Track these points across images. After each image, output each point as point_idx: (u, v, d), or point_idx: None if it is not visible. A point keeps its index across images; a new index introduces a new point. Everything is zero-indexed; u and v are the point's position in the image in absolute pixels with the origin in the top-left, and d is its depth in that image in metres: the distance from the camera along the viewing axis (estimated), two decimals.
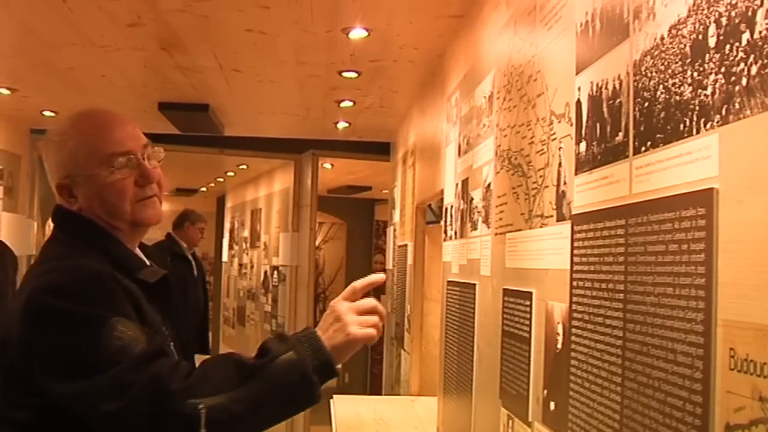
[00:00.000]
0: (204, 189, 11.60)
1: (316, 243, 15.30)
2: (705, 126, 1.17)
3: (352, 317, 1.67)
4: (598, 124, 1.62)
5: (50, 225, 9.58)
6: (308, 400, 1.62)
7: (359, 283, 1.74)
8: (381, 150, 6.69)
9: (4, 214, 6.09)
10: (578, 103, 1.75)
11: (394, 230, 5.84)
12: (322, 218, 14.06)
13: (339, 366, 1.67)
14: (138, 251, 1.98)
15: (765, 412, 0.98)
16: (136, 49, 4.08)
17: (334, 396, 4.39)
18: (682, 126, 1.24)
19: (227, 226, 11.72)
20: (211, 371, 1.61)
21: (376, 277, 1.77)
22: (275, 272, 8.10)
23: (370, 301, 1.71)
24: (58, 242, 1.87)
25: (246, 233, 10.08)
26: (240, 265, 10.37)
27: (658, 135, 1.32)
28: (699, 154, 1.18)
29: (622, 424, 1.41)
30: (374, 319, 1.69)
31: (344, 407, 4.13)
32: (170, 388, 1.55)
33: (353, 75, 4.42)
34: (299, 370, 1.59)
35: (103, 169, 1.81)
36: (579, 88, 1.75)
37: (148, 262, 1.97)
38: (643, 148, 1.38)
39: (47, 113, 5.88)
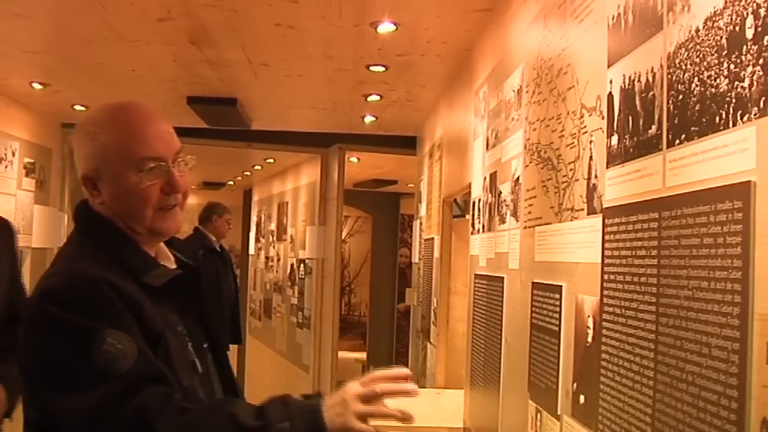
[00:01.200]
0: (231, 182, 11.65)
1: (342, 236, 15.41)
2: (742, 118, 1.16)
3: (356, 405, 1.62)
4: (630, 117, 1.61)
5: None
6: None
7: (380, 374, 1.69)
8: (407, 144, 6.69)
9: (36, 207, 6.15)
10: (610, 96, 1.74)
11: (421, 224, 5.84)
12: (347, 212, 14.11)
13: None
14: (163, 248, 1.95)
15: None
16: (166, 43, 4.11)
17: None
18: (717, 119, 1.23)
19: (254, 219, 11.76)
20: (207, 417, 1.60)
21: (400, 371, 1.72)
22: (301, 265, 8.12)
23: (388, 386, 1.67)
24: (71, 244, 1.86)
25: (273, 226, 10.10)
26: (266, 258, 10.40)
27: (693, 128, 1.31)
28: (735, 147, 1.17)
29: (654, 418, 1.41)
30: (378, 410, 1.65)
31: None
32: (155, 429, 1.54)
33: (381, 69, 4.43)
34: None
35: (131, 171, 1.77)
36: (611, 81, 1.74)
37: (172, 260, 1.95)
38: (678, 141, 1.37)
39: (78, 107, 5.93)
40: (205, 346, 1.92)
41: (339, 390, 1.67)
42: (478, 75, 3.70)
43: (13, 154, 5.69)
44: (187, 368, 1.77)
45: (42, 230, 6.21)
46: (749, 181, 1.12)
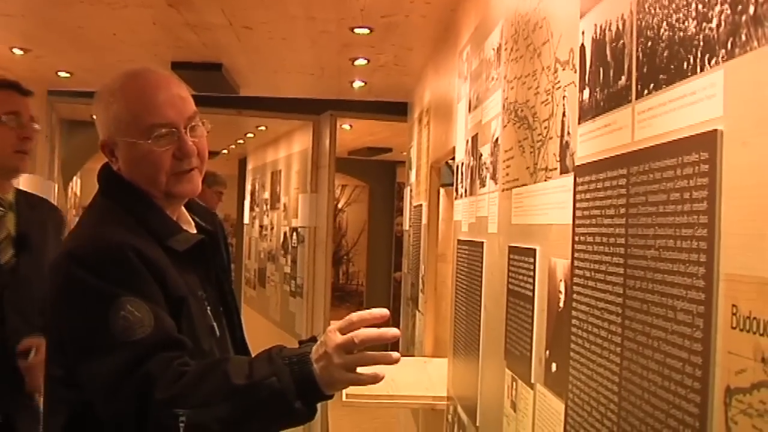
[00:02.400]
0: (225, 151, 11.54)
1: (340, 205, 15.33)
2: (710, 62, 1.06)
3: (339, 357, 1.59)
4: (601, 69, 1.51)
5: (73, 187, 9.59)
6: (293, 423, 1.64)
7: (356, 316, 1.64)
8: (398, 110, 6.56)
9: (22, 175, 6.04)
10: (582, 48, 1.64)
11: (411, 191, 5.75)
12: (345, 180, 14.06)
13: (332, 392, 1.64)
14: (184, 212, 1.99)
15: (767, 374, 0.89)
16: (144, 5, 3.98)
17: None
18: (685, 64, 1.14)
19: (248, 188, 11.67)
20: (201, 379, 1.60)
21: (378, 311, 1.65)
22: (294, 234, 8.05)
23: (366, 334, 1.61)
24: (96, 207, 1.89)
25: (266, 195, 10.03)
26: (261, 226, 10.34)
27: (662, 76, 1.22)
28: (703, 94, 1.08)
29: (621, 387, 1.32)
30: (365, 358, 1.60)
31: None
32: (155, 397, 1.56)
33: (365, 31, 4.30)
34: (280, 399, 1.58)
35: (142, 138, 1.80)
36: (583, 32, 1.64)
37: (192, 224, 1.99)
38: (646, 91, 1.28)
39: (62, 74, 5.82)
40: (221, 310, 1.96)
41: (321, 341, 1.64)
42: (462, 36, 3.59)
43: None
44: (207, 333, 1.81)
45: None
46: (716, 130, 1.03)
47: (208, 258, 1.93)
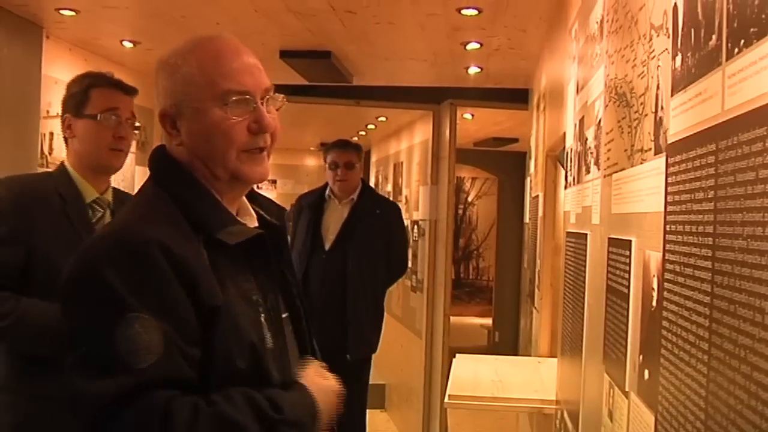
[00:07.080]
0: None
1: (470, 198, 15.05)
2: None
3: None
4: (692, 30, 1.30)
5: None
6: None
7: None
8: (520, 98, 6.31)
9: (137, 168, 6.12)
10: (675, 8, 1.42)
11: (530, 181, 5.52)
12: (474, 173, 13.83)
13: None
14: (245, 204, 1.78)
15: None
16: None
17: (457, 355, 4.17)
18: None
19: (372, 180, 11.61)
20: (226, 423, 1.47)
21: None
22: (415, 227, 7.91)
23: None
24: (143, 194, 1.70)
25: (389, 187, 9.92)
26: None
27: (752, 29, 1.00)
28: None
29: (708, 402, 1.11)
30: None
31: (464, 367, 3.90)
32: None
33: (474, 12, 4.09)
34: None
35: (215, 104, 1.61)
36: None
37: (254, 217, 1.77)
38: (736, 50, 1.06)
39: None
40: (284, 315, 1.74)
41: None
42: (572, 12, 3.35)
43: None
44: (248, 347, 1.56)
45: None
46: None
47: (268, 255, 1.70)
